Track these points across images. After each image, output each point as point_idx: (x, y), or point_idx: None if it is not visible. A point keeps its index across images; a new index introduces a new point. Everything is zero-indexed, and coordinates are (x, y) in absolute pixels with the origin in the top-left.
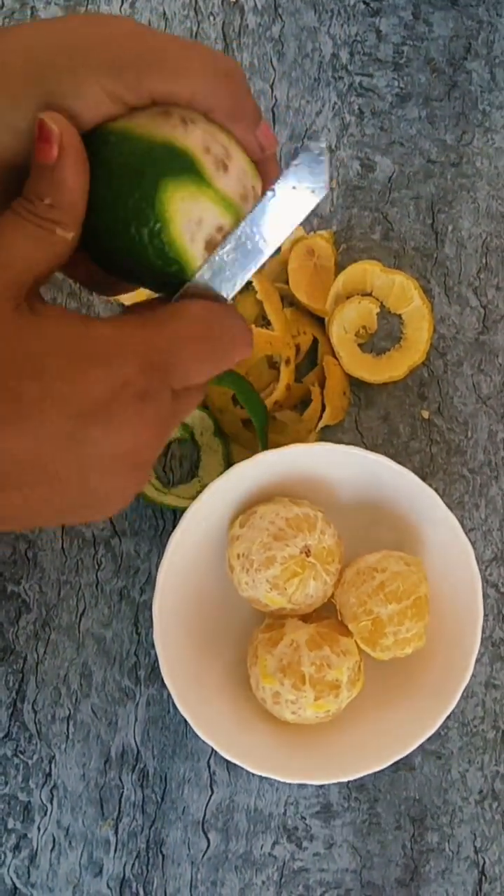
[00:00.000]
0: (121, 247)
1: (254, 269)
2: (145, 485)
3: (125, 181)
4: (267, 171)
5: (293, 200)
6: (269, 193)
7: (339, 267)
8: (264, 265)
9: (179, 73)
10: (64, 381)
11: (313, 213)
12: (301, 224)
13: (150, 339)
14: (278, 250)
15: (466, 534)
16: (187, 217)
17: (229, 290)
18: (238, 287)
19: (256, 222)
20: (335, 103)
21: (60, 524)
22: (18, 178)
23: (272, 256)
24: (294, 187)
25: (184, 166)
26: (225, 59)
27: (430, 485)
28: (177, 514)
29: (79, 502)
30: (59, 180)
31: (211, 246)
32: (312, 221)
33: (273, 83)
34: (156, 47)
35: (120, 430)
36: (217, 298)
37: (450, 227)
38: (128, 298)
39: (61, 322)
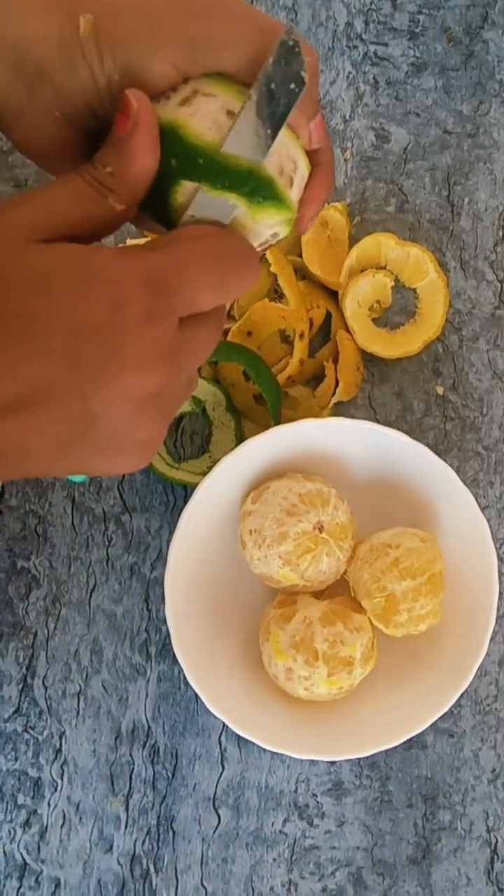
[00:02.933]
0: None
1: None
2: (159, 434)
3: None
4: (319, 160)
5: (274, 102)
6: (247, 102)
7: (353, 239)
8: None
9: (254, 55)
10: (64, 299)
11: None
12: None
13: (152, 259)
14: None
15: (481, 511)
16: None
17: (226, 215)
18: (233, 211)
19: (245, 133)
20: (349, 73)
21: (73, 470)
22: (97, 129)
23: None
24: (273, 86)
25: (267, 195)
26: (306, 46)
27: (445, 462)
28: (187, 489)
29: (87, 436)
30: (127, 153)
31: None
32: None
33: None
34: (232, 23)
35: (122, 351)
36: (217, 225)
37: (466, 200)
38: None
39: (67, 247)
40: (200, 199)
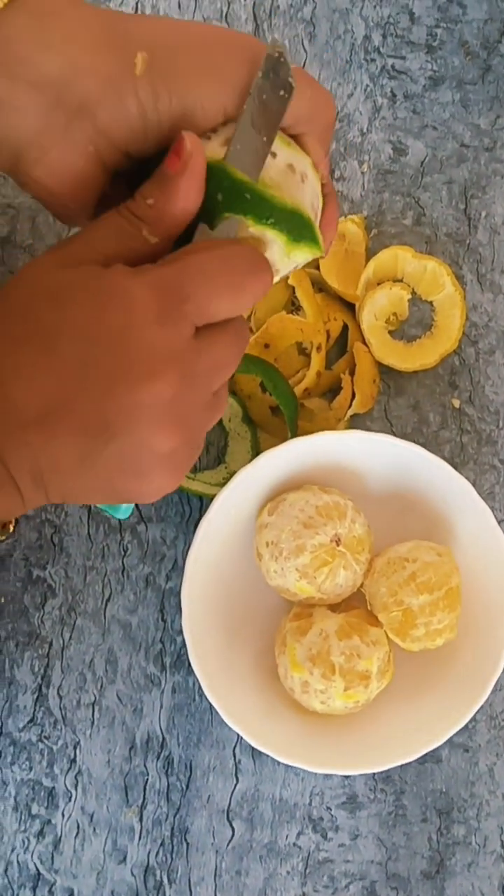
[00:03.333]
0: None
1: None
2: (180, 449)
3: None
4: (327, 191)
5: (267, 111)
6: (244, 113)
7: (370, 252)
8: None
9: (304, 108)
10: (81, 308)
11: (344, 197)
12: None
13: (164, 269)
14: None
15: (498, 524)
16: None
17: (232, 230)
18: (238, 223)
19: (243, 145)
20: (367, 86)
21: (100, 488)
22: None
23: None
24: (265, 96)
25: (306, 235)
26: (326, 91)
27: (461, 474)
28: (203, 500)
29: (104, 447)
30: (172, 191)
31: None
32: (343, 206)
33: (304, 65)
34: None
35: (132, 356)
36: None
37: (483, 213)
38: None
39: (84, 267)
40: (225, 228)
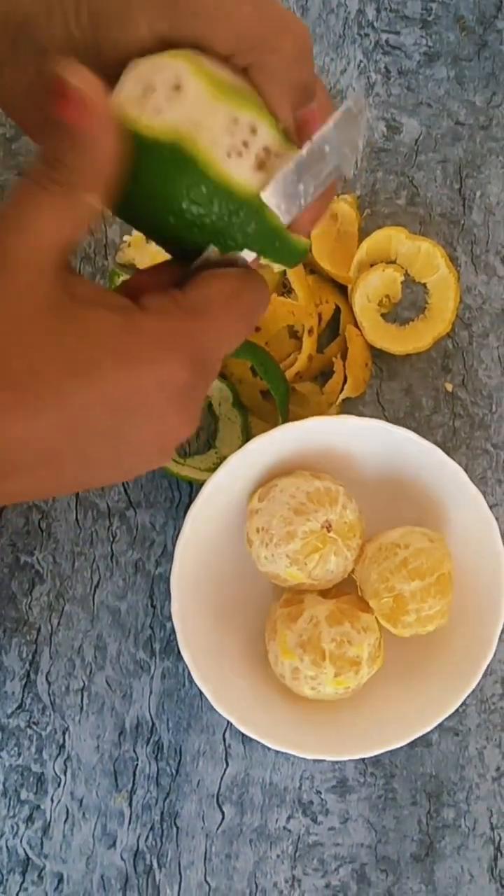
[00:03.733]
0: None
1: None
2: (167, 458)
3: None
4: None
5: (323, 162)
6: (297, 158)
7: (363, 233)
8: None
9: (240, 34)
10: (109, 381)
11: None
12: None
13: (194, 334)
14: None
15: (490, 509)
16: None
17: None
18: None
19: (284, 185)
20: (361, 61)
21: (82, 490)
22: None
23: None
24: (327, 148)
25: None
26: (296, 23)
27: (453, 459)
28: (193, 486)
29: (106, 477)
30: (83, 142)
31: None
32: (336, 185)
33: None
34: None
35: (160, 422)
36: (235, 263)
37: (478, 193)
38: (141, 263)
39: (103, 314)
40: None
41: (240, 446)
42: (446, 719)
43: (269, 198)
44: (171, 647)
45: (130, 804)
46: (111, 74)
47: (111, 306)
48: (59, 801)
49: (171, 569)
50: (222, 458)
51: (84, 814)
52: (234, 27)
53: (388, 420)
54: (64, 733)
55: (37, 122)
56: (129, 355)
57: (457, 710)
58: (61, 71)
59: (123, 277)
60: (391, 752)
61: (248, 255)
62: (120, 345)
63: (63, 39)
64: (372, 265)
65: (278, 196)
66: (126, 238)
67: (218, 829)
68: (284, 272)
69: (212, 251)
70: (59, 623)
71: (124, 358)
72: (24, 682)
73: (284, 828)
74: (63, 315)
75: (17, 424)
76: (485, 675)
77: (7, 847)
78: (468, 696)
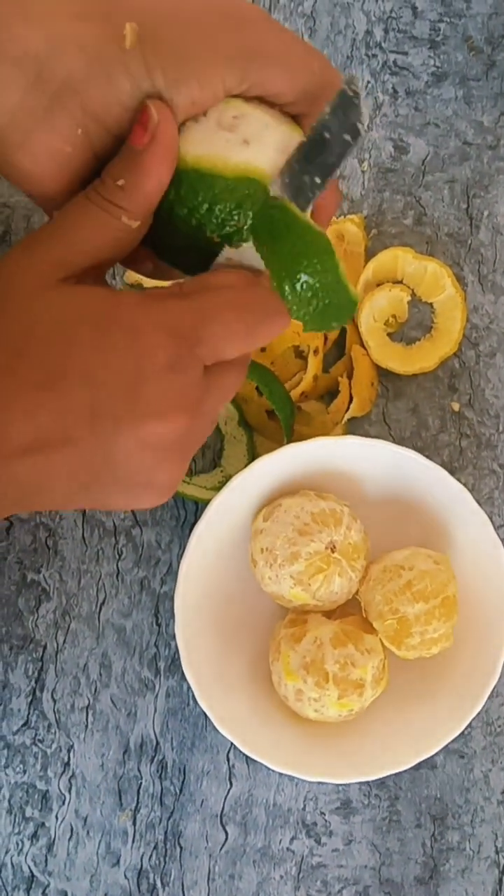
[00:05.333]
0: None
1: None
2: (179, 475)
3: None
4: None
5: (327, 151)
6: (299, 147)
7: (370, 252)
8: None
9: (304, 84)
10: (88, 347)
11: (343, 196)
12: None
13: (178, 308)
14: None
15: (496, 531)
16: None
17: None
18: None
19: (293, 169)
20: (368, 82)
21: (92, 505)
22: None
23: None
24: (328, 135)
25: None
26: (334, 69)
27: (459, 479)
28: (198, 504)
29: (106, 479)
30: (140, 165)
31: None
32: (343, 205)
33: None
34: (284, 43)
35: (143, 402)
36: (250, 270)
37: (485, 213)
38: (148, 283)
39: (90, 293)
40: (247, 252)
41: (245, 465)
42: (451, 742)
43: (277, 189)
44: (175, 666)
45: (134, 823)
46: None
47: (100, 289)
48: (63, 818)
49: (175, 587)
50: (227, 477)
51: (88, 832)
52: (301, 80)
53: (394, 439)
54: (69, 751)
55: (65, 191)
56: (105, 324)
57: (462, 733)
58: (151, 104)
59: None
60: (395, 774)
61: (261, 263)
62: (99, 315)
63: (124, 101)
64: (378, 285)
65: (284, 187)
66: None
67: (221, 849)
68: None
69: (225, 256)
70: (64, 641)
71: (101, 326)
72: (29, 700)
73: (288, 849)
74: (54, 295)
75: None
76: (490, 697)
77: (12, 864)
78: (473, 719)
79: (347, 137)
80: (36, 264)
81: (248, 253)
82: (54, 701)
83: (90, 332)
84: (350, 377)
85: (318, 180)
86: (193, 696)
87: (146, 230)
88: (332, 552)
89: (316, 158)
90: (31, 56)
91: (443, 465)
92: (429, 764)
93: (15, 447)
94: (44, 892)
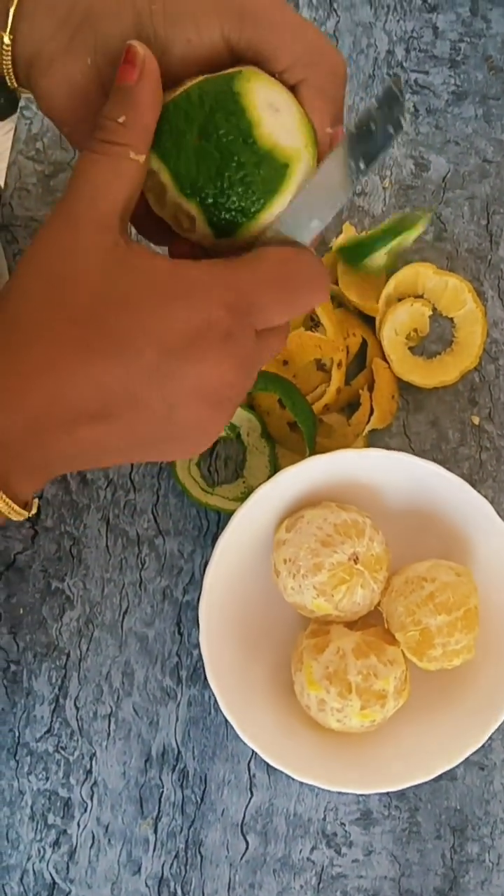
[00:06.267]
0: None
1: (332, 213)
2: (226, 423)
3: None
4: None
5: (371, 140)
6: (347, 135)
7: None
8: (342, 209)
9: (297, 55)
10: (154, 317)
11: (365, 212)
12: (353, 224)
13: (235, 280)
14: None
15: None
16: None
17: (306, 235)
18: (315, 231)
19: (337, 162)
20: None
21: (141, 459)
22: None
23: (347, 201)
24: (372, 128)
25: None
26: (328, 40)
27: (479, 492)
28: (220, 515)
29: (162, 434)
30: (135, 100)
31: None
32: (364, 221)
33: None
34: (281, 11)
35: (205, 367)
36: (294, 245)
37: None
38: None
39: (152, 260)
40: (288, 223)
41: (267, 477)
42: (472, 753)
43: (322, 177)
44: (197, 675)
45: (155, 831)
46: (172, 73)
47: (161, 257)
48: (85, 826)
49: (198, 596)
50: (249, 488)
51: (110, 840)
52: (299, 44)
53: (414, 452)
54: (91, 759)
55: (76, 117)
56: (169, 293)
57: (483, 745)
58: (134, 42)
59: None
60: (416, 785)
61: (307, 237)
62: (163, 284)
63: (130, 35)
64: (400, 300)
65: (329, 175)
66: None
67: (242, 858)
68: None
69: (271, 231)
70: (87, 649)
71: (165, 296)
72: (53, 707)
73: (308, 859)
74: (118, 259)
75: (90, 367)
76: None
77: (34, 871)
78: (494, 731)
79: (391, 130)
80: (81, 232)
81: (289, 225)
82: (77, 708)
83: (155, 300)
84: (371, 390)
85: (363, 167)
86: (215, 705)
87: (148, 163)
88: (355, 563)
89: (360, 148)
90: None
91: (463, 478)
92: (449, 775)
93: (83, 414)
94: None
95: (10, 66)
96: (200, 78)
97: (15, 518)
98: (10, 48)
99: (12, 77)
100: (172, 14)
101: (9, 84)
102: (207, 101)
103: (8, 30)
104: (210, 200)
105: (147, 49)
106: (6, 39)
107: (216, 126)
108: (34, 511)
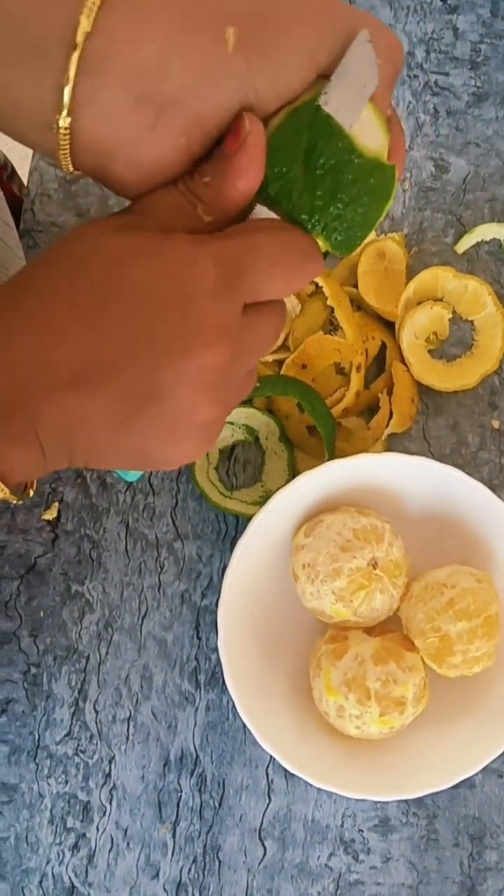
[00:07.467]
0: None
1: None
2: (218, 419)
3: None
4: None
5: (349, 97)
6: (322, 96)
7: (410, 270)
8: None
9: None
10: (139, 270)
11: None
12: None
13: (223, 244)
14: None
15: None
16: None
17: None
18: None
19: (319, 116)
20: (409, 102)
21: (135, 455)
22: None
23: None
24: (346, 85)
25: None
26: (387, 31)
27: (500, 497)
28: (239, 519)
29: (147, 414)
30: (228, 169)
31: None
32: (384, 224)
33: None
34: (360, 20)
35: (189, 326)
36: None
37: None
38: None
39: (142, 233)
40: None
41: (286, 481)
42: (491, 761)
43: (330, 106)
44: (215, 680)
45: (174, 835)
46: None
47: (154, 230)
48: (104, 829)
49: (216, 601)
50: (268, 492)
51: (128, 843)
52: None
53: (433, 456)
54: (110, 762)
55: (152, 188)
56: (157, 250)
57: (502, 753)
58: (246, 115)
59: None
60: (434, 792)
61: (354, 118)
62: (152, 244)
63: (227, 105)
64: (419, 303)
65: (336, 100)
66: None
67: (260, 863)
68: (332, 311)
69: (260, 211)
70: (107, 652)
71: (153, 252)
72: (72, 710)
73: (326, 865)
74: (118, 233)
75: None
76: None
77: (53, 874)
78: None
79: (365, 85)
80: (108, 223)
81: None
82: (96, 712)
83: (141, 257)
84: (390, 393)
85: (365, 85)
86: (233, 709)
87: (216, 230)
88: (374, 569)
89: (356, 77)
90: (140, 73)
91: (482, 482)
92: (467, 783)
93: (64, 377)
94: None
95: (66, 153)
96: (285, 111)
97: (8, 499)
98: (67, 133)
99: (69, 163)
100: (272, 77)
101: (64, 170)
102: (304, 134)
103: (64, 112)
104: (331, 225)
105: (255, 121)
106: (62, 122)
107: (319, 154)
108: (31, 494)
